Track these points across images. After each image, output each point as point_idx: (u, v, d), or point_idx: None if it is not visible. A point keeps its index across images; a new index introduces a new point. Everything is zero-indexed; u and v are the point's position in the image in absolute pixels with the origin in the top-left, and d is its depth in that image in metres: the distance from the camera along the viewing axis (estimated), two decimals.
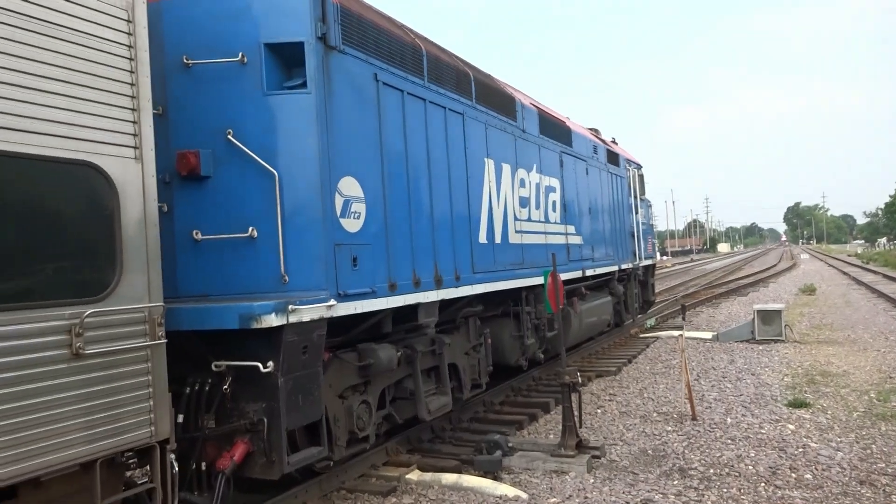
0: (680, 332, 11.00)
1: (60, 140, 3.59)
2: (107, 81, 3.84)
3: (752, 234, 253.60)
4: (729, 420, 8.03)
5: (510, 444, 6.77)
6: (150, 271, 4.03)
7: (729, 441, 7.21)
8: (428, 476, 6.31)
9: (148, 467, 4.10)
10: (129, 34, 3.98)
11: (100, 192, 3.79)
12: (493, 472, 6.32)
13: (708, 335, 14.92)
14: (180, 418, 4.68)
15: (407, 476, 6.32)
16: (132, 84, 3.99)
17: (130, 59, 3.99)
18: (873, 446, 6.84)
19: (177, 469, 4.15)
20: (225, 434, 4.86)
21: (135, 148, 3.99)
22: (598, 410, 8.84)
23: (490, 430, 7.53)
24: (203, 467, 4.84)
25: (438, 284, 6.77)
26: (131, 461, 4.07)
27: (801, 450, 6.79)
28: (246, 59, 5.11)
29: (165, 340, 4.07)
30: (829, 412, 8.21)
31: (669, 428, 7.81)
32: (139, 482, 4.41)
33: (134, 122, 3.99)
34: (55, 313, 3.50)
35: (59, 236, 3.62)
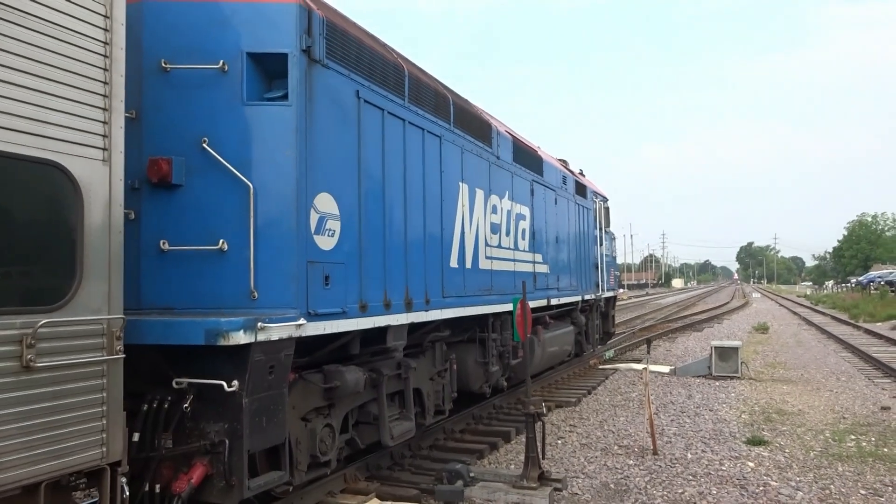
0: (644, 366, 11.05)
1: (24, 136, 3.37)
2: (79, 78, 3.64)
3: (705, 271, 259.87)
4: (689, 455, 8.04)
5: (472, 475, 6.63)
6: (112, 281, 3.80)
7: (690, 477, 7.20)
8: None
9: (97, 490, 3.83)
10: (105, 30, 3.80)
11: (63, 194, 3.57)
12: (453, 503, 6.16)
13: (666, 369, 15.07)
14: (136, 437, 4.41)
15: None
16: (105, 83, 3.80)
17: (105, 57, 3.80)
18: (832, 486, 6.91)
19: (128, 493, 3.89)
20: (183, 455, 4.60)
21: (104, 150, 3.78)
22: (559, 441, 8.76)
23: (450, 459, 7.38)
24: (157, 489, 4.56)
25: (409, 307, 6.64)
26: (80, 483, 3.80)
27: (762, 488, 6.82)
28: (227, 68, 4.95)
29: (123, 356, 3.84)
30: (787, 451, 8.29)
31: (631, 462, 7.77)
32: None
33: (104, 123, 3.79)
34: (5, 321, 3.26)
35: (16, 239, 3.38)
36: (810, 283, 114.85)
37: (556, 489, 6.50)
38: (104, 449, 3.69)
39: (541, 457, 6.69)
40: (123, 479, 3.84)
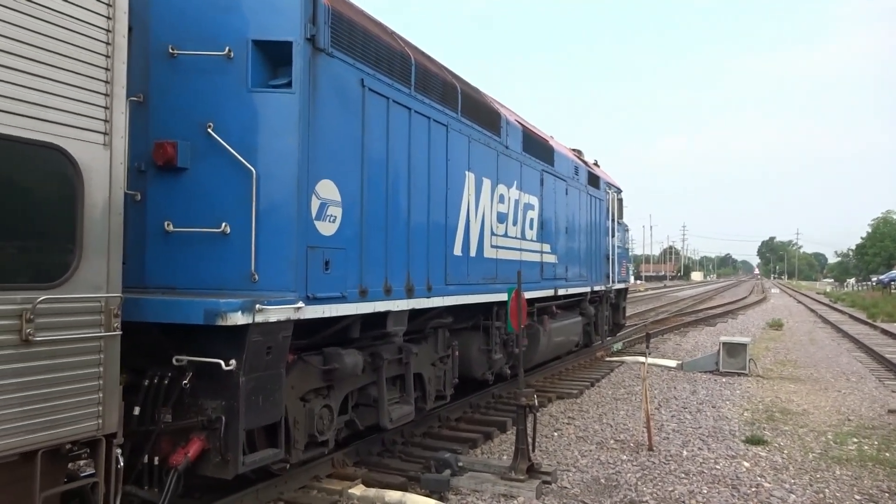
0: (644, 360, 11.05)
1: (26, 120, 3.50)
2: (81, 64, 3.75)
3: (725, 265, 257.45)
4: (685, 453, 7.99)
5: (460, 464, 6.64)
6: (111, 260, 3.94)
7: (683, 475, 7.16)
8: (372, 492, 6.04)
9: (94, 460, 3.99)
10: (108, 18, 3.90)
11: (64, 176, 3.70)
12: (439, 492, 6.15)
13: (673, 363, 15.02)
14: (136, 410, 4.59)
15: (350, 490, 6.03)
16: (107, 69, 3.91)
17: (107, 44, 3.90)
18: (826, 490, 6.84)
19: (122, 464, 4.05)
20: (181, 429, 4.77)
21: (105, 134, 3.90)
22: (555, 433, 8.76)
23: (443, 447, 7.37)
24: (156, 462, 4.74)
25: (409, 294, 6.73)
26: (82, 452, 3.97)
27: (754, 489, 6.76)
28: (232, 54, 5.06)
29: (120, 333, 3.98)
30: (786, 451, 8.22)
31: (625, 457, 7.74)
32: (83, 475, 4.31)
33: (106, 108, 3.91)
34: (6, 297, 3.40)
35: (17, 218, 3.52)
36: (831, 280, 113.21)
37: (544, 482, 6.49)
38: (100, 421, 3.85)
39: (531, 449, 6.69)
40: (118, 451, 4.00)
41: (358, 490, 6.10)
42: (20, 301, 3.44)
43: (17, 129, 3.45)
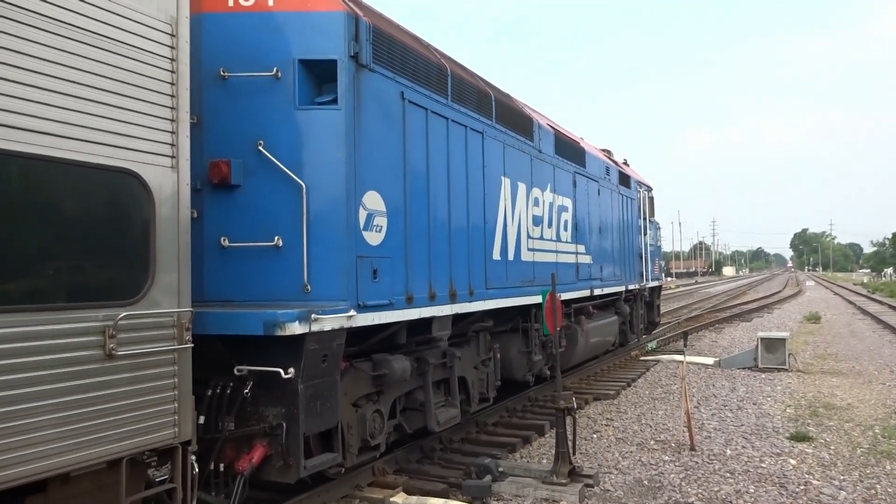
0: (682, 359, 11.03)
1: (103, 148, 3.73)
2: (149, 93, 3.98)
3: (758, 259, 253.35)
4: (728, 451, 7.92)
5: (501, 469, 6.64)
6: (181, 276, 4.15)
7: (728, 474, 7.10)
8: (413, 500, 6.06)
9: (167, 467, 4.21)
10: (172, 48, 4.13)
11: (138, 199, 3.92)
12: (481, 498, 6.14)
13: (710, 361, 14.91)
14: (201, 419, 4.79)
15: (392, 499, 6.07)
16: (173, 96, 4.13)
17: (172, 72, 4.13)
18: (878, 486, 6.74)
19: (197, 470, 4.25)
20: (244, 437, 4.97)
21: (172, 157, 4.12)
22: (595, 435, 8.74)
23: (482, 452, 7.33)
24: (221, 468, 4.95)
25: (453, 299, 6.89)
26: (152, 461, 4.19)
27: (802, 487, 6.68)
28: (280, 74, 5.27)
29: (192, 345, 4.19)
30: (833, 447, 8.09)
31: (667, 457, 7.69)
32: (157, 480, 4.52)
33: (172, 133, 4.13)
34: (91, 314, 3.63)
35: (97, 240, 3.74)
36: (868, 271, 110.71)
37: (587, 485, 6.47)
38: (176, 429, 4.06)
39: (571, 452, 6.67)
40: (193, 457, 4.20)
41: (399, 498, 6.12)
42: (102, 318, 3.66)
43: (98, 157, 3.69)
